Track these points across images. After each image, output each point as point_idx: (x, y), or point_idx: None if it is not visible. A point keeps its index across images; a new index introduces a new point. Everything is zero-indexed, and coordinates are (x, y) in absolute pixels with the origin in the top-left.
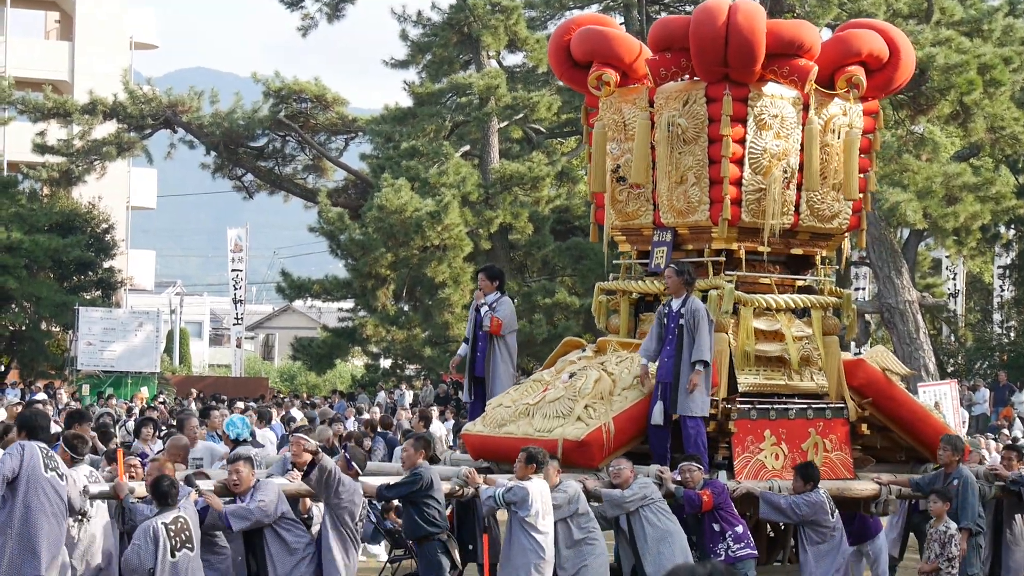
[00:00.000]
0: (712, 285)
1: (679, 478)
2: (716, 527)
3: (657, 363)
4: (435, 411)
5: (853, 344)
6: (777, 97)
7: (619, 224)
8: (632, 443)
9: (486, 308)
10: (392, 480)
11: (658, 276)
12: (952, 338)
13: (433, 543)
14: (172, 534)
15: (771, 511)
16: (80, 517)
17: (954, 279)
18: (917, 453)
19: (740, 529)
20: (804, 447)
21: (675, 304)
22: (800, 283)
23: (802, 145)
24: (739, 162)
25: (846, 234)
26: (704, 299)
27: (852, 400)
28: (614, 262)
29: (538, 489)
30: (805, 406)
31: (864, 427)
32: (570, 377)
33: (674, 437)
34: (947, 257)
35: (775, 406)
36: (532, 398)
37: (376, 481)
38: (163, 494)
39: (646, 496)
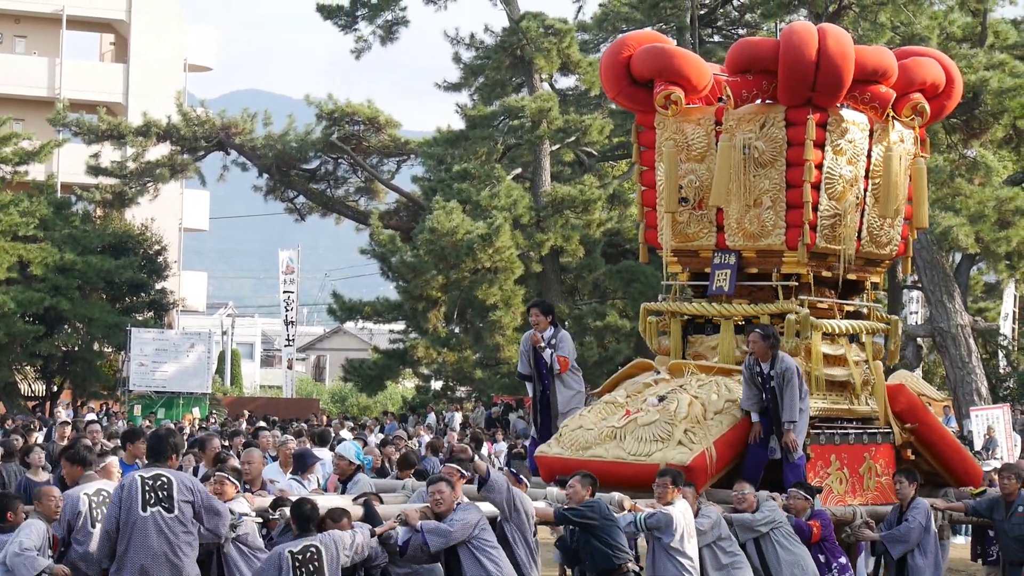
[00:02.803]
0: (784, 309)
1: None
2: (822, 558)
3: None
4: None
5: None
6: (851, 123)
7: (675, 245)
8: (728, 468)
9: (549, 350)
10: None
11: (720, 299)
12: (1005, 362)
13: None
14: (298, 564)
15: (893, 540)
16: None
17: (1014, 303)
18: (936, 478)
19: (844, 560)
20: (861, 471)
21: (765, 367)
22: (848, 308)
23: (867, 171)
24: (816, 187)
25: (893, 260)
26: (772, 320)
27: (896, 425)
28: (666, 283)
29: (681, 511)
30: (861, 430)
31: (909, 452)
32: (660, 400)
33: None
34: (1000, 281)
35: (838, 431)
36: (616, 421)
37: (546, 507)
38: (301, 517)
39: (775, 520)
